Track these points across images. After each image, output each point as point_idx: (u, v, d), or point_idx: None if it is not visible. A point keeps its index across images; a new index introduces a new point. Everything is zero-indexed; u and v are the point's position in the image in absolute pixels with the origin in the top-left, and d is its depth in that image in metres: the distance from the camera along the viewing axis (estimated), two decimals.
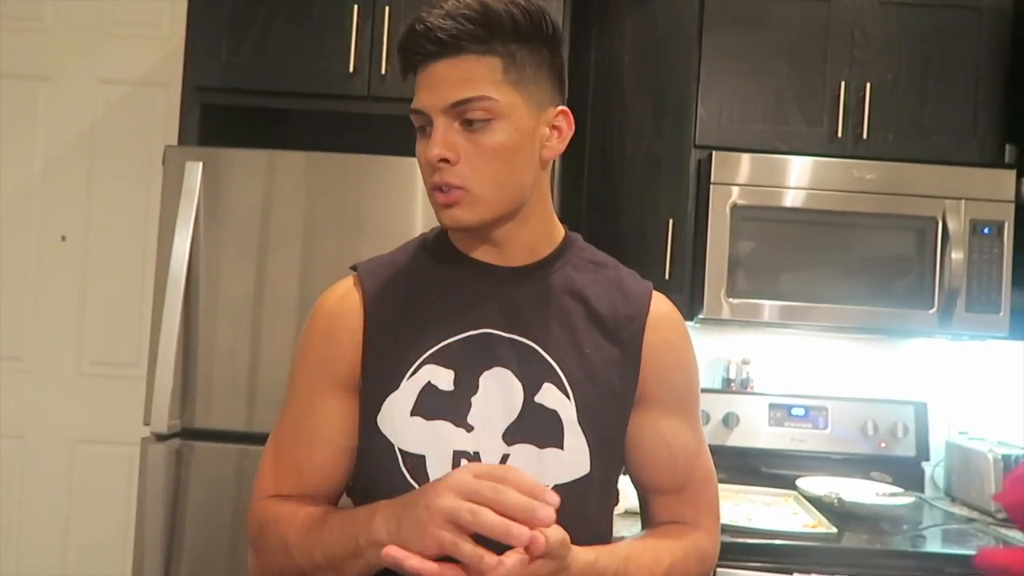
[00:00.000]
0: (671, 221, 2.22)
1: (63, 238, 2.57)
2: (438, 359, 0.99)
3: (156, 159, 2.00)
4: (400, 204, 1.89)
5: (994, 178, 2.15)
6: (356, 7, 2.02)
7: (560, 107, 1.02)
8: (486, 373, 0.99)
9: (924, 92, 2.23)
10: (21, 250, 2.57)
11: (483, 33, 0.95)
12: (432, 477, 0.95)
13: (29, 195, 2.58)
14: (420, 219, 1.88)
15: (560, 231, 1.09)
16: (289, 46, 2.05)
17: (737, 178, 2.16)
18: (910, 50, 2.23)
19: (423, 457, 0.97)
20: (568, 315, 1.03)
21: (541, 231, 1.05)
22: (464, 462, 0.96)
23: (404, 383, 0.99)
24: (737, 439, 2.38)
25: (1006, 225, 2.13)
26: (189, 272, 1.86)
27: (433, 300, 1.03)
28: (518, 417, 0.98)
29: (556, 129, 1.02)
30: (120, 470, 2.49)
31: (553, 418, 0.98)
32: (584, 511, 0.99)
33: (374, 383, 1.00)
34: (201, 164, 1.88)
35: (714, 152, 2.17)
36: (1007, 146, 2.21)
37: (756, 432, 2.39)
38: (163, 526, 1.86)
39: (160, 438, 1.86)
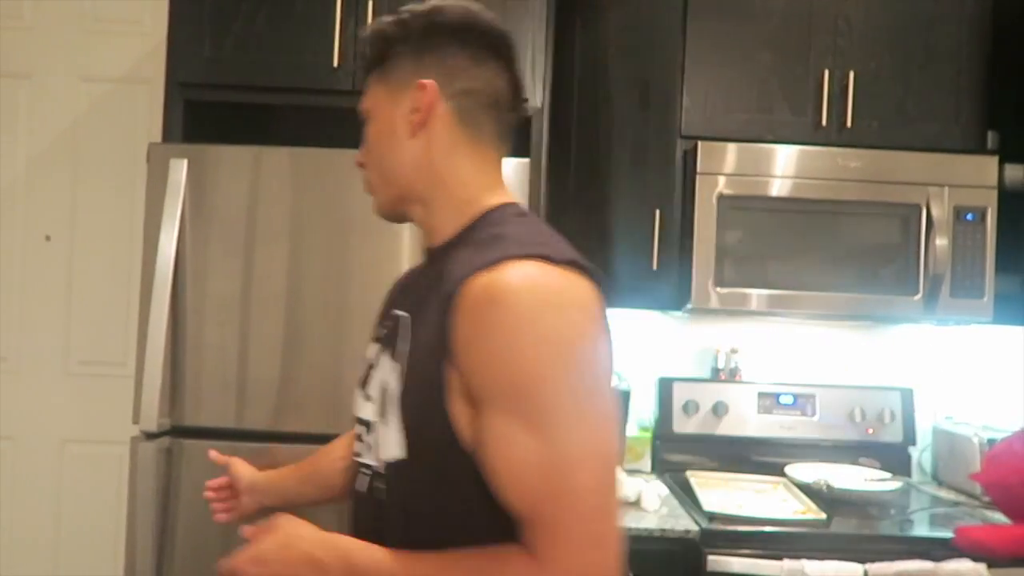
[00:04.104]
0: (658, 211, 2.22)
1: (47, 238, 2.55)
2: (377, 336, 1.10)
3: (140, 157, 1.99)
4: None
5: (977, 164, 2.17)
6: (339, 1, 2.01)
7: (418, 81, 1.01)
8: (382, 348, 1.05)
9: (907, 80, 2.24)
10: (5, 250, 2.55)
11: (373, 55, 1.07)
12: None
13: (12, 195, 2.55)
14: None
15: (477, 209, 1.02)
16: (272, 41, 2.04)
17: (723, 168, 2.16)
18: (893, 38, 2.24)
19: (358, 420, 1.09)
20: (430, 300, 0.97)
21: (446, 213, 1.03)
22: (362, 428, 1.06)
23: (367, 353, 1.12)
24: (726, 428, 2.40)
25: (989, 211, 2.15)
26: (176, 270, 1.85)
27: None
28: (385, 391, 1.02)
29: (415, 106, 1.01)
30: (110, 469, 2.48)
31: (387, 394, 0.99)
32: (406, 502, 0.97)
33: None
34: (186, 161, 1.86)
35: (700, 142, 2.17)
36: (989, 132, 2.23)
37: (745, 420, 2.41)
38: (154, 525, 1.86)
39: (150, 436, 1.85)
